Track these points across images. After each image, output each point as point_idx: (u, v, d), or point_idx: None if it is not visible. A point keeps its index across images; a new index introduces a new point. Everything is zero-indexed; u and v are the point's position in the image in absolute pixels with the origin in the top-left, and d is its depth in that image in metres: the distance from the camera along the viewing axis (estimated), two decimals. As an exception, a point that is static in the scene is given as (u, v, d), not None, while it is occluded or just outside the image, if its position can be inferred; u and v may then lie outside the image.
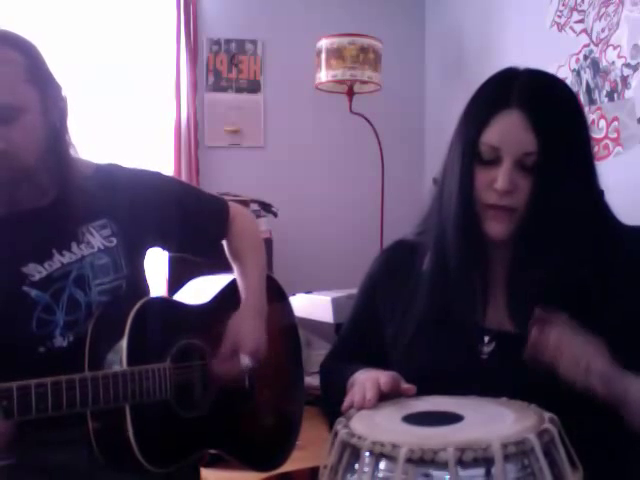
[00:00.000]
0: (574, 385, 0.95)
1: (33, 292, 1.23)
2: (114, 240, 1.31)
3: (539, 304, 0.99)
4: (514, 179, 1.04)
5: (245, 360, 1.32)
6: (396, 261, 1.24)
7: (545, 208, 1.04)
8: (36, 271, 1.23)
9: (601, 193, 1.13)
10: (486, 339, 1.10)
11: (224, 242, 1.49)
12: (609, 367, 0.95)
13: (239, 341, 1.33)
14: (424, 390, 0.98)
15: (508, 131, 1.05)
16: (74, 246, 1.27)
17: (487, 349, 1.10)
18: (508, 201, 1.05)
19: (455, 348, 1.11)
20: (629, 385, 0.95)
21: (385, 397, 0.96)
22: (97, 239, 1.29)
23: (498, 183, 1.04)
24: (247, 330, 1.34)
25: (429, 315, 1.13)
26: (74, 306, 1.26)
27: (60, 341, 1.24)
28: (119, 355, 1.19)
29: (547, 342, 0.96)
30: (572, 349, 0.95)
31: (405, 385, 0.99)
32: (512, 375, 1.03)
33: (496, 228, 1.07)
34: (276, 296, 1.54)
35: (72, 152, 1.28)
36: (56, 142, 1.23)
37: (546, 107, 1.07)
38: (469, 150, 1.09)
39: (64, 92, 1.27)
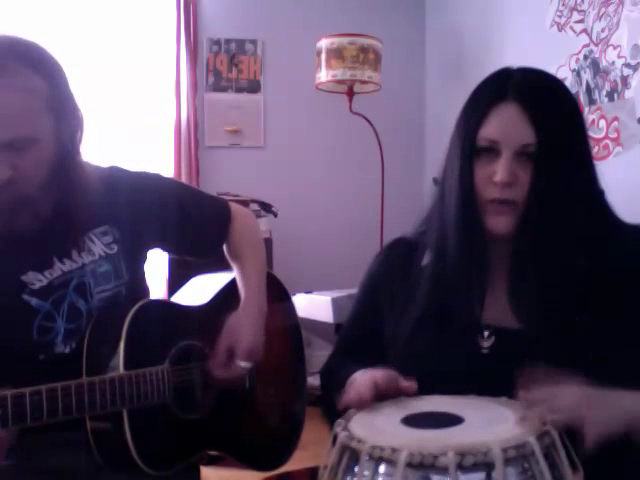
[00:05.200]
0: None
1: (33, 300, 1.21)
2: (115, 247, 1.29)
3: (539, 305, 0.99)
4: (514, 171, 1.04)
5: (241, 360, 1.31)
6: (396, 258, 1.24)
7: (546, 200, 1.04)
8: (36, 279, 1.22)
9: (601, 191, 1.13)
10: (486, 334, 1.10)
11: (224, 243, 1.48)
12: (602, 410, 0.89)
13: (235, 341, 1.31)
14: (424, 386, 0.98)
15: (506, 124, 1.06)
16: (74, 254, 1.25)
17: (487, 344, 1.10)
18: (509, 194, 1.05)
19: (455, 344, 1.10)
20: (630, 406, 0.91)
21: (385, 397, 0.96)
22: (98, 246, 1.28)
23: (497, 175, 1.04)
24: (244, 329, 1.33)
25: (429, 311, 1.13)
26: (75, 314, 1.24)
27: (61, 348, 1.22)
28: (116, 359, 1.17)
29: (537, 402, 0.93)
30: (559, 403, 0.89)
31: (405, 383, 0.99)
32: (512, 370, 1.02)
33: (498, 223, 1.07)
34: (278, 295, 1.53)
35: (80, 160, 1.24)
36: (64, 164, 1.19)
37: (542, 99, 1.08)
38: (468, 146, 1.09)
39: (81, 112, 1.22)
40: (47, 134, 1.15)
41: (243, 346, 1.31)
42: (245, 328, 1.33)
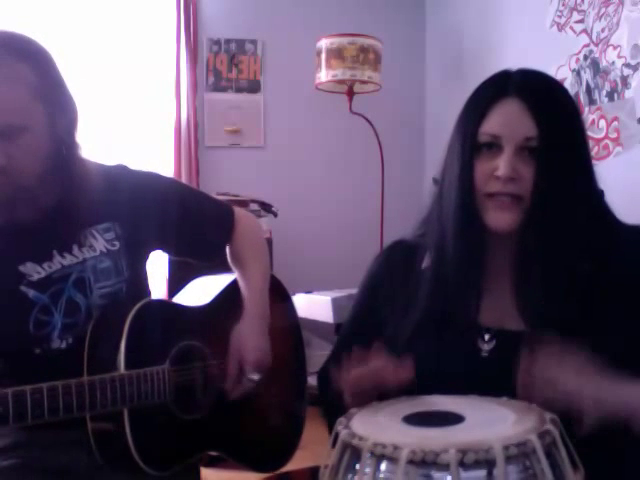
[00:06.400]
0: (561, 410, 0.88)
1: (31, 292, 1.22)
2: (117, 244, 1.30)
3: (543, 303, 0.99)
4: (516, 166, 1.05)
5: (252, 374, 1.31)
6: (396, 261, 1.24)
7: (549, 198, 1.04)
8: (34, 271, 1.22)
9: (601, 192, 1.13)
10: (486, 337, 1.10)
11: (227, 247, 1.48)
12: (596, 387, 0.90)
13: (243, 356, 1.31)
14: (424, 389, 0.97)
15: (508, 118, 1.06)
16: (75, 248, 1.26)
17: (487, 347, 1.10)
18: (512, 188, 1.05)
19: (455, 346, 1.10)
20: (630, 396, 0.92)
21: (385, 396, 0.96)
22: (100, 242, 1.29)
23: (500, 170, 1.04)
24: (250, 342, 1.32)
25: (429, 314, 1.13)
26: (73, 309, 1.25)
27: (57, 343, 1.23)
28: (117, 358, 1.18)
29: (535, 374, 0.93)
30: (548, 374, 0.92)
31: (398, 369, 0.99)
32: (513, 373, 1.02)
33: (501, 219, 1.07)
34: (278, 296, 1.53)
35: (79, 155, 1.25)
36: (61, 155, 1.20)
37: (543, 96, 1.09)
38: (469, 142, 1.09)
39: (75, 102, 1.23)
40: (39, 123, 1.16)
41: (251, 360, 1.31)
42: (250, 340, 1.33)
